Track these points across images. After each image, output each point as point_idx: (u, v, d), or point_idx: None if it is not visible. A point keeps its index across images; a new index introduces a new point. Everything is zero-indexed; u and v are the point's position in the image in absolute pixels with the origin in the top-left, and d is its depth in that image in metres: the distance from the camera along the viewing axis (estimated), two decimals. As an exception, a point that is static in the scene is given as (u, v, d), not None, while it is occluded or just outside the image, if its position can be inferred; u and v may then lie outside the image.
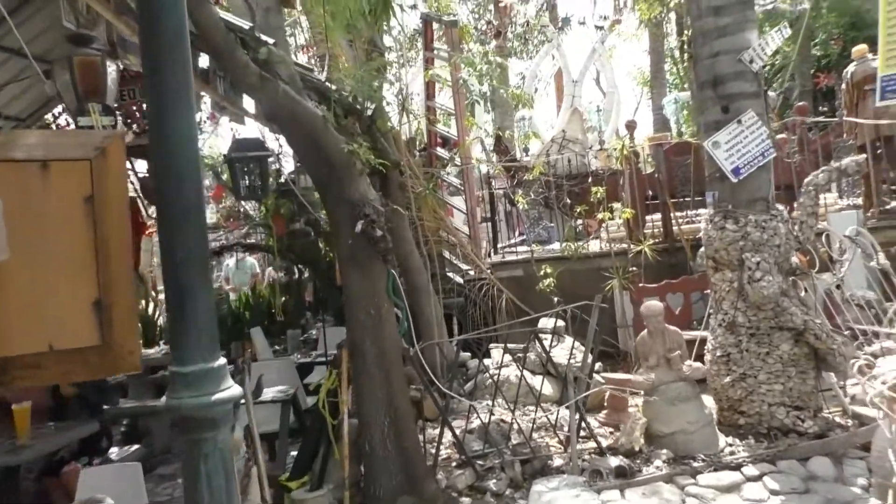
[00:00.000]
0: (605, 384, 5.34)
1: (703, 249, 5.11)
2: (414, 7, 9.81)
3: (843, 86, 8.44)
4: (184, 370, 1.82)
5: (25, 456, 3.92)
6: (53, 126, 7.00)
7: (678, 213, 7.77)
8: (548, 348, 5.30)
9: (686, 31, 10.18)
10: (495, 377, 4.99)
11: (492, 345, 6.33)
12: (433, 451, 4.53)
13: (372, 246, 4.00)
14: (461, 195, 8.49)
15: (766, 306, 4.51)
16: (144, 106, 5.61)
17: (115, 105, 4.84)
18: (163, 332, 7.55)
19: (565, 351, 5.48)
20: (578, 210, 7.90)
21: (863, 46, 8.26)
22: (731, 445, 4.48)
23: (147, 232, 7.67)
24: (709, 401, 4.82)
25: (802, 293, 4.85)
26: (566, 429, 4.65)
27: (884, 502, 3.13)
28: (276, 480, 4.31)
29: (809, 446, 4.27)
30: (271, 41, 3.64)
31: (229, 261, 11.61)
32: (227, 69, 3.58)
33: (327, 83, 4.51)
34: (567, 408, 4.49)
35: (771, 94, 9.12)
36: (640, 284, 6.60)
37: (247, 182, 4.72)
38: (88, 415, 4.74)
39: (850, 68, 8.19)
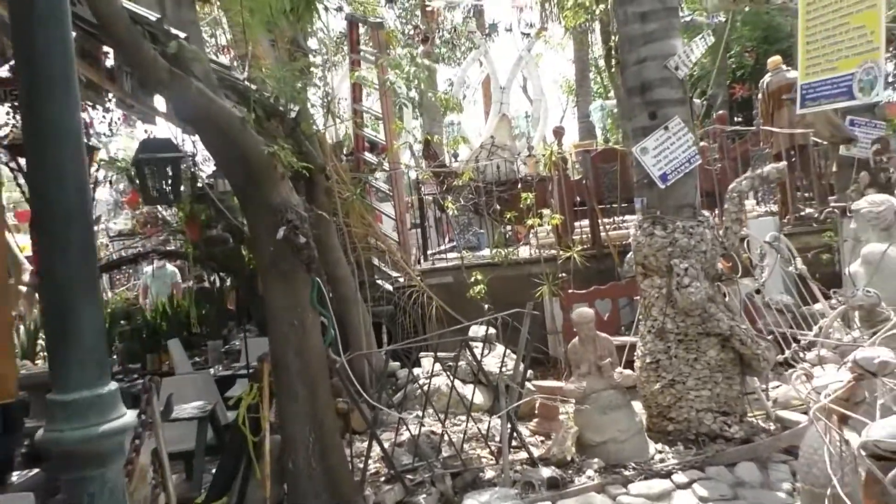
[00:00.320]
0: (536, 392, 5.29)
1: (630, 255, 5.13)
2: (339, 9, 9.63)
3: (760, 95, 8.74)
4: (65, 398, 1.57)
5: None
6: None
7: (605, 220, 7.85)
8: (479, 356, 5.20)
9: (613, 38, 10.34)
10: (425, 387, 4.86)
11: (422, 354, 6.20)
12: (361, 465, 4.38)
13: (295, 254, 3.80)
14: (390, 201, 8.34)
15: (693, 312, 4.53)
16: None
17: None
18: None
19: (496, 359, 5.41)
20: (508, 216, 7.87)
21: (777, 58, 8.58)
22: (660, 452, 4.48)
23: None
24: (638, 407, 4.82)
25: (726, 298, 4.91)
26: (497, 439, 4.55)
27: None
28: (191, 503, 4.08)
29: (736, 452, 4.30)
30: (182, 35, 3.40)
31: (147, 269, 11.07)
32: (133, 64, 3.31)
33: (247, 83, 4.29)
34: (499, 417, 4.40)
35: (696, 101, 9.35)
36: (570, 290, 6.61)
37: (157, 185, 4.41)
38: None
39: (766, 78, 8.48)
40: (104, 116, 8.55)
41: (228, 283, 9.53)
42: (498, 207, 9.03)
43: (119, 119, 9.17)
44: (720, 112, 10.16)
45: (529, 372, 5.68)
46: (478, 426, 4.85)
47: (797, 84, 4.88)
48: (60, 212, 1.60)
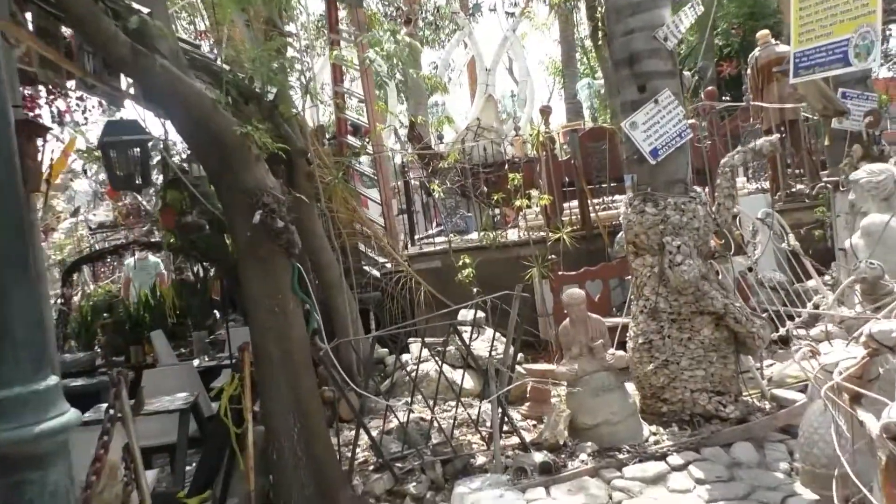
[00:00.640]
0: (527, 376, 5.19)
1: (620, 235, 5.01)
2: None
3: (749, 71, 8.60)
4: (-5, 395, 1.41)
5: None
6: None
7: (595, 200, 7.73)
8: (468, 341, 5.10)
9: (599, 10, 10.17)
10: (413, 373, 4.75)
11: (410, 339, 6.08)
12: (349, 454, 4.27)
13: (273, 238, 3.65)
14: (376, 187, 8.19)
15: (686, 291, 4.42)
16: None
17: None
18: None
19: (486, 343, 5.31)
20: (496, 198, 7.74)
21: (766, 31, 8.44)
22: (655, 434, 4.39)
23: None
24: (631, 389, 4.72)
25: (719, 276, 4.81)
26: (488, 424, 4.45)
27: (811, 488, 3.06)
28: (174, 497, 3.95)
29: (732, 432, 4.21)
30: (146, 10, 3.22)
31: (130, 260, 10.88)
32: (93, 41, 3.13)
33: (222, 64, 4.11)
34: (490, 402, 4.29)
35: (686, 73, 9.22)
36: (560, 272, 6.50)
37: (123, 169, 4.22)
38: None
39: (755, 53, 8.35)
40: (78, 104, 8.31)
41: (212, 272, 9.36)
42: (485, 189, 8.90)
43: (94, 106, 8.91)
44: (709, 88, 10.02)
45: (520, 355, 5.58)
46: (468, 412, 4.76)
47: (790, 53, 4.75)
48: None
